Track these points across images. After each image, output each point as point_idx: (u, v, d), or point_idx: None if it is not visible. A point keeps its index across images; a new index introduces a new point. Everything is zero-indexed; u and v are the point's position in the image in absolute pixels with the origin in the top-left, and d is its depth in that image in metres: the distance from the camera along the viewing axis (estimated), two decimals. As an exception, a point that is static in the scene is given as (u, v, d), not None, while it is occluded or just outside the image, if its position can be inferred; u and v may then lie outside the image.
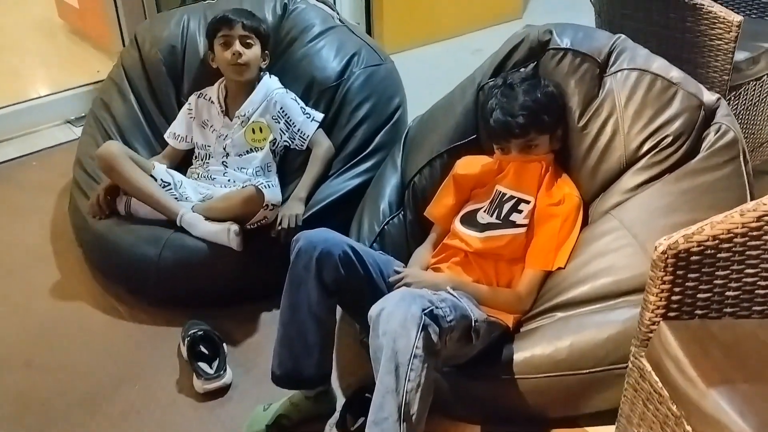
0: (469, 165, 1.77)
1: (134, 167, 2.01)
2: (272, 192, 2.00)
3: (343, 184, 2.10)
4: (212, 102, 2.19)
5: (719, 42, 2.08)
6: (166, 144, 2.24)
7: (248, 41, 2.09)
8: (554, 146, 1.67)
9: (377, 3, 3.55)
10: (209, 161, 2.18)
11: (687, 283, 1.14)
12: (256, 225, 1.97)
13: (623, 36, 1.80)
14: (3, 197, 2.45)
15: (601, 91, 1.72)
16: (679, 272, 1.12)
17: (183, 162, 2.24)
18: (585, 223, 1.71)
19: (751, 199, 1.60)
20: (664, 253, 1.10)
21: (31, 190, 2.49)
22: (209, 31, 2.16)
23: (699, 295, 1.16)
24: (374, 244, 1.84)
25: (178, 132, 2.21)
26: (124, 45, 2.87)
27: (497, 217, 1.68)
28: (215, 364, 1.77)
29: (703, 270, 1.13)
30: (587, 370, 1.51)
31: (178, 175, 2.12)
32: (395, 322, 1.30)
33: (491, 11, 3.97)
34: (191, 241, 1.95)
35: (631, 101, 1.68)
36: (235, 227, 1.90)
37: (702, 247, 1.11)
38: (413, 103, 2.36)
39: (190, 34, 2.31)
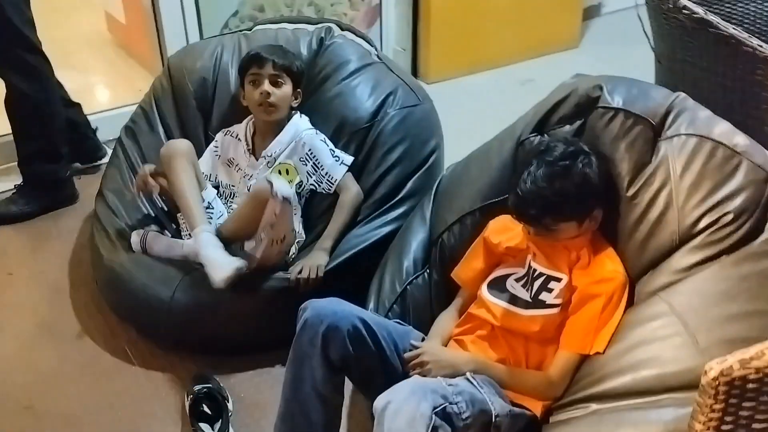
0: (502, 229, 1.62)
1: (185, 170, 1.94)
2: (282, 183, 1.84)
3: (370, 233, 1.98)
4: (239, 140, 2.10)
5: (792, 99, 1.88)
6: (191, 179, 2.16)
7: (279, 80, 1.99)
8: (588, 228, 1.49)
9: (424, 29, 3.42)
10: (233, 201, 2.09)
11: (740, 412, 0.97)
12: (271, 227, 1.79)
13: (683, 95, 1.62)
14: (28, 224, 2.40)
15: (654, 158, 1.54)
16: (732, 401, 0.95)
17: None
18: (630, 302, 1.54)
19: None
20: (715, 379, 0.93)
21: (56, 216, 2.43)
22: (241, 67, 2.07)
23: (755, 426, 0.98)
24: (395, 306, 1.71)
25: (203, 170, 2.12)
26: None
27: (529, 296, 1.52)
28: (217, 426, 1.66)
29: (761, 398, 0.96)
30: (621, 476, 1.34)
31: (222, 207, 2.04)
32: (402, 421, 1.16)
33: (545, 39, 3.79)
34: (205, 284, 1.85)
35: (688, 171, 1.50)
36: (239, 263, 1.79)
37: (761, 375, 0.94)
38: (454, 136, 2.22)
39: (222, 67, 2.22)
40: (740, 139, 1.52)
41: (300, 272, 1.86)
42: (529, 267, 1.55)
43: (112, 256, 1.96)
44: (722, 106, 2.04)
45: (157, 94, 2.28)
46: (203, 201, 1.97)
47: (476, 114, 3.14)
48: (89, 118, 2.69)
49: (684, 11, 1.93)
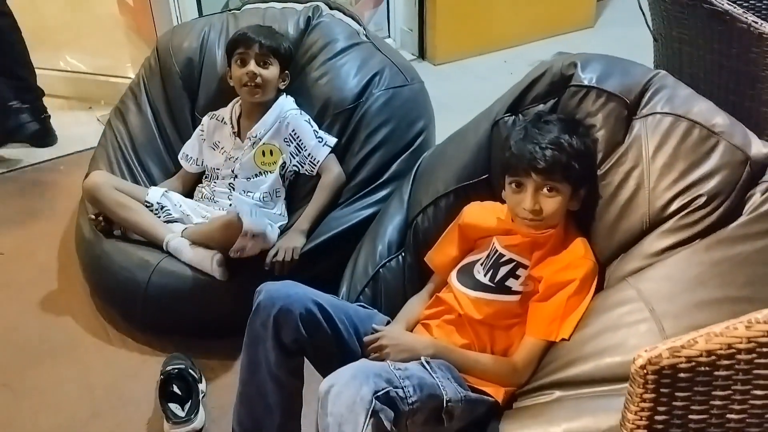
0: (478, 214, 1.58)
1: (118, 197, 1.94)
2: (255, 221, 1.87)
3: (350, 216, 1.95)
4: (224, 123, 2.09)
5: (789, 77, 1.79)
6: (177, 160, 2.16)
7: (266, 61, 1.97)
8: (571, 206, 1.45)
9: (431, 9, 3.36)
10: (216, 182, 2.08)
11: (674, 402, 0.92)
12: (238, 254, 1.84)
13: (663, 72, 1.55)
14: (23, 204, 2.44)
15: (627, 137, 1.48)
16: (664, 390, 0.90)
17: (197, 184, 2.15)
18: (599, 287, 1.49)
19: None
20: (643, 367, 0.89)
21: (51, 197, 2.47)
22: (228, 47, 2.05)
23: (691, 416, 0.94)
24: (366, 289, 1.68)
25: (190, 154, 2.13)
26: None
27: (491, 279, 1.48)
28: (187, 406, 1.67)
29: (695, 389, 0.91)
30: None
31: (176, 196, 2.04)
32: (342, 404, 1.14)
33: (559, 19, 3.69)
34: (181, 268, 1.87)
35: (660, 151, 1.43)
36: (218, 256, 1.81)
37: (693, 363, 0.89)
38: (459, 119, 2.17)
39: (209, 47, 2.21)
40: (720, 119, 1.45)
41: (275, 255, 1.85)
42: (494, 251, 1.51)
43: (94, 238, 1.97)
44: (718, 84, 1.96)
45: (146, 74, 2.28)
46: (151, 206, 1.96)
47: (483, 96, 3.04)
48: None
49: (676, -16, 1.85)
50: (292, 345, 1.34)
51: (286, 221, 2.03)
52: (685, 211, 1.40)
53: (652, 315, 1.37)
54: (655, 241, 1.43)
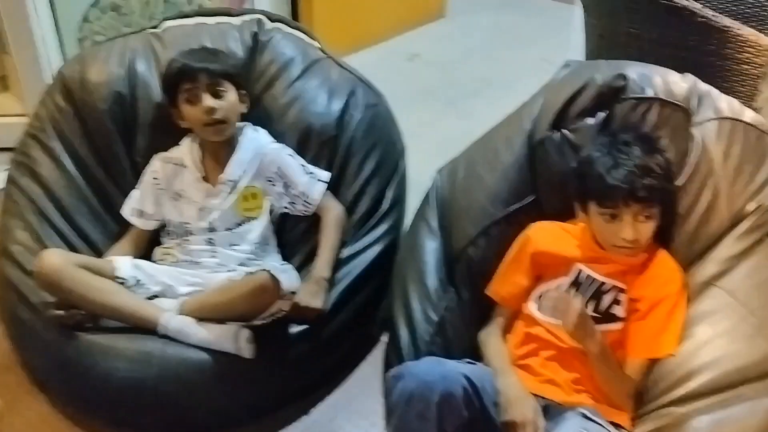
0: (549, 239, 1.50)
1: (89, 279, 1.53)
2: (289, 277, 1.61)
3: (363, 254, 1.75)
4: (185, 166, 1.74)
5: (747, 67, 1.96)
6: (123, 220, 1.77)
7: (219, 90, 1.66)
8: (658, 223, 1.44)
9: (305, 7, 3.14)
10: (189, 240, 1.74)
11: None
12: (268, 319, 1.58)
13: (690, 75, 1.60)
14: None
15: (691, 145, 1.51)
16: None
17: (152, 243, 1.78)
18: (684, 296, 1.51)
19: None
20: None
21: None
22: (167, 83, 1.70)
23: None
24: (436, 337, 1.54)
25: (144, 209, 1.75)
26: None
27: (594, 310, 1.43)
28: None
29: None
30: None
31: (149, 266, 1.67)
32: None
33: (416, 10, 3.69)
34: (193, 354, 1.54)
35: (729, 157, 1.48)
36: (245, 332, 1.52)
37: None
38: None
39: (141, 77, 1.82)
40: (757, 117, 1.54)
41: (299, 313, 1.60)
42: (588, 278, 1.46)
43: (60, 337, 1.54)
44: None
45: (52, 116, 1.81)
46: (125, 282, 1.59)
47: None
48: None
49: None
50: (455, 432, 1.17)
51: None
52: (760, 211, 1.47)
53: (751, 316, 1.42)
54: (733, 245, 1.48)
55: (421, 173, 1.87)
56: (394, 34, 3.56)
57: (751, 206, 1.47)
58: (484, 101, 2.91)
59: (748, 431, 1.33)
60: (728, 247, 1.48)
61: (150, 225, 1.77)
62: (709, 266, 1.49)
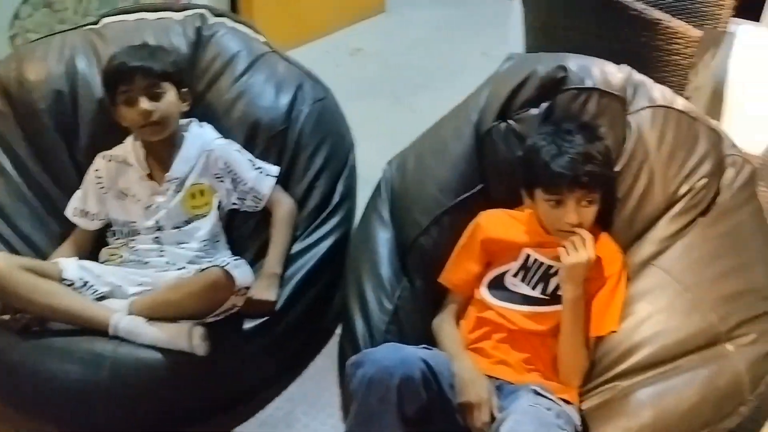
0: (498, 226, 1.55)
1: (36, 281, 1.49)
2: (242, 272, 1.60)
3: (315, 248, 1.76)
4: (129, 164, 1.72)
5: (677, 57, 2.06)
6: (67, 222, 1.73)
7: (157, 91, 1.64)
8: (600, 207, 1.50)
9: (245, 3, 3.12)
10: (135, 239, 1.71)
11: None
12: (221, 316, 1.58)
13: (625, 66, 1.67)
14: None
15: (628, 133, 1.58)
16: None
17: (97, 244, 1.75)
18: (623, 276, 1.58)
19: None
20: None
21: None
22: (106, 83, 1.68)
23: None
24: (391, 326, 1.56)
25: (87, 208, 1.71)
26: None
27: (543, 292, 1.49)
28: None
29: None
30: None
31: (96, 267, 1.64)
32: None
33: (354, 5, 3.71)
34: (145, 353, 1.50)
35: (663, 143, 1.56)
36: (199, 329, 1.50)
37: None
38: None
39: (81, 75, 1.79)
40: (688, 104, 1.62)
41: (252, 308, 1.60)
42: (536, 263, 1.51)
43: (6, 342, 1.50)
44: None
45: (-14, 117, 1.76)
46: (72, 284, 1.55)
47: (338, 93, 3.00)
48: None
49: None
50: (415, 415, 1.20)
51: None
52: (692, 193, 1.55)
53: (686, 292, 1.50)
54: (668, 225, 1.56)
55: (369, 166, 1.89)
56: (335, 29, 3.58)
57: (683, 189, 1.55)
58: (428, 94, 2.96)
59: (686, 401, 1.41)
60: (664, 228, 1.56)
61: (94, 225, 1.73)
62: (646, 247, 1.57)
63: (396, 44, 3.46)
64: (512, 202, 1.59)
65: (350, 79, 3.11)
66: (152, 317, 1.53)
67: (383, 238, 1.67)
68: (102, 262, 1.70)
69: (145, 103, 1.61)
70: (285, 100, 1.84)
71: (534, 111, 1.62)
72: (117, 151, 1.74)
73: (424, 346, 1.44)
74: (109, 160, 1.73)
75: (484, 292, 1.54)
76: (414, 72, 3.21)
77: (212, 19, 1.93)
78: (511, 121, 1.63)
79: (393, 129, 2.55)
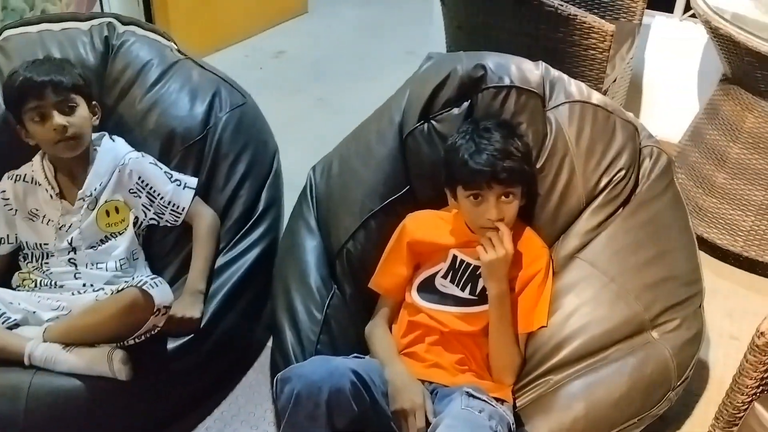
0: (423, 228, 1.53)
1: None
2: (161, 291, 1.53)
3: (240, 260, 1.71)
4: (38, 184, 1.63)
5: (594, 52, 2.09)
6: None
7: (69, 105, 1.56)
8: (521, 203, 1.50)
9: (159, 8, 3.02)
10: (48, 262, 1.62)
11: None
12: (142, 338, 1.51)
13: (542, 62, 1.68)
14: None
15: (549, 129, 1.58)
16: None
17: (9, 268, 1.65)
18: (550, 270, 1.59)
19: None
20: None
21: None
22: (11, 100, 1.58)
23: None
24: (321, 335, 1.53)
25: (-6, 232, 1.61)
26: None
27: (471, 293, 1.48)
28: None
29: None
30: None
31: (7, 294, 1.56)
32: None
33: (277, 7, 3.65)
34: (63, 381, 1.44)
35: (581, 137, 1.58)
36: (119, 353, 1.44)
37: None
38: None
39: (-19, 90, 1.68)
40: (604, 98, 1.64)
41: (176, 326, 1.54)
42: (463, 263, 1.50)
43: None
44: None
45: None
46: None
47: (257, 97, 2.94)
48: None
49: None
50: (347, 428, 1.17)
51: (157, 284, 1.69)
52: (611, 186, 1.58)
53: (611, 283, 1.52)
54: (590, 218, 1.58)
55: (295, 172, 1.85)
56: (257, 32, 3.50)
57: (603, 181, 1.57)
58: (353, 95, 2.93)
59: (617, 390, 1.43)
60: (586, 221, 1.58)
61: (4, 249, 1.64)
62: (571, 240, 1.58)
63: (319, 45, 3.42)
64: (439, 202, 1.58)
65: (273, 82, 3.06)
66: (69, 343, 1.45)
67: (310, 246, 1.64)
68: (15, 288, 1.61)
69: (59, 118, 1.53)
70: (201, 108, 1.78)
71: (455, 111, 1.61)
72: (24, 170, 1.65)
73: (355, 355, 1.41)
74: (16, 181, 1.63)
75: (414, 295, 1.53)
76: (338, 73, 3.17)
77: (121, 28, 1.85)
78: (433, 122, 1.62)
79: (319, 132, 2.52)
